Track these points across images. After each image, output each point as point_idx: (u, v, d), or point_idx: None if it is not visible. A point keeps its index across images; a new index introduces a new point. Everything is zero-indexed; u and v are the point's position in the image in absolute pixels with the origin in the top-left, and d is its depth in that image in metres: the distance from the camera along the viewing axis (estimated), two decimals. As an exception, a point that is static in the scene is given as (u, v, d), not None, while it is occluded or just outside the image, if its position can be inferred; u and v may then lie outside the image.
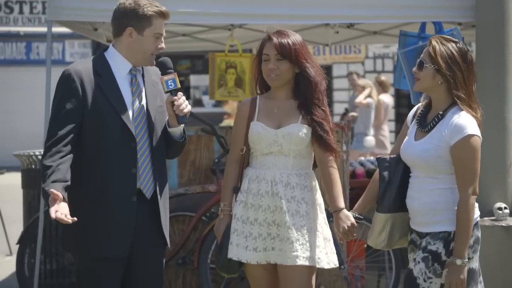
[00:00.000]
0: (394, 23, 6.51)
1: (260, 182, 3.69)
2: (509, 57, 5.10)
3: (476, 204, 3.37)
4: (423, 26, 5.55)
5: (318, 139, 3.67)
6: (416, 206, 3.39)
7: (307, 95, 3.69)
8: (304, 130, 3.69)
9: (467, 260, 3.26)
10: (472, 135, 3.28)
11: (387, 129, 11.63)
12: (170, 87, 3.44)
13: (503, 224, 4.85)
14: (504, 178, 5.05)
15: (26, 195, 6.38)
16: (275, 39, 3.68)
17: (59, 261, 6.02)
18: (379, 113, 11.54)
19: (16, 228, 7.70)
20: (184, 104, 3.44)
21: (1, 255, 7.84)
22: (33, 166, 6.36)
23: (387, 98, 11.80)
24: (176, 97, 3.44)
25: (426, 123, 3.40)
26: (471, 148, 3.27)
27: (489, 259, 4.77)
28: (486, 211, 4.99)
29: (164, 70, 3.48)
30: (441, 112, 3.36)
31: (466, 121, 3.29)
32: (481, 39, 5.15)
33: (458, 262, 3.25)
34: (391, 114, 15.41)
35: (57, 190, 3.20)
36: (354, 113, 11.79)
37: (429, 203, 3.35)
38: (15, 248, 6.78)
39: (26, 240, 5.81)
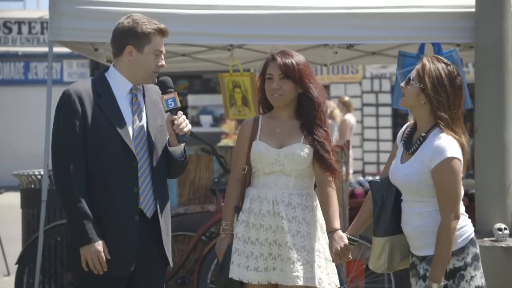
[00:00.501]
0: (393, 43, 6.54)
1: (261, 201, 3.69)
2: (508, 77, 5.13)
3: (469, 221, 3.34)
4: (422, 47, 5.58)
5: (320, 159, 3.68)
6: (408, 230, 3.37)
7: (309, 115, 3.71)
8: (306, 150, 3.70)
9: (443, 284, 3.22)
10: (452, 158, 3.21)
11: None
12: (170, 106, 3.46)
13: (503, 245, 4.85)
14: (504, 198, 5.06)
15: (25, 215, 6.36)
16: (279, 59, 3.71)
17: (58, 281, 6.00)
18: (345, 132, 11.83)
19: (14, 248, 7.68)
20: (184, 123, 3.46)
21: (-1, 275, 7.81)
22: (33, 186, 6.35)
23: (352, 118, 12.10)
24: (176, 116, 3.45)
25: (411, 145, 3.36)
26: (451, 171, 3.21)
27: (488, 280, 4.73)
28: (486, 232, 5.00)
29: (164, 89, 3.50)
30: (423, 134, 3.32)
31: (446, 144, 3.23)
32: (480, 60, 5.18)
33: (434, 286, 3.21)
34: (388, 134, 15.47)
35: (100, 245, 3.38)
36: None
37: (419, 226, 3.32)
38: (13, 268, 6.76)
39: (25, 260, 5.79)
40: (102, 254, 3.36)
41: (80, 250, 3.38)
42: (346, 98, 12.62)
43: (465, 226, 3.31)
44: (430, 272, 3.24)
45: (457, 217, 3.25)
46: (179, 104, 3.48)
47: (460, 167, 3.25)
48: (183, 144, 3.53)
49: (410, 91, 3.33)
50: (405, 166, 3.35)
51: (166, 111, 3.49)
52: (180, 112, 3.48)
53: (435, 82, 3.27)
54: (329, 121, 11.56)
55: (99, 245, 3.36)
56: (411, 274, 3.43)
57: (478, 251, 3.34)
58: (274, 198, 3.68)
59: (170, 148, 3.52)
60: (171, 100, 3.46)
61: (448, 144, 3.24)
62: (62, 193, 3.39)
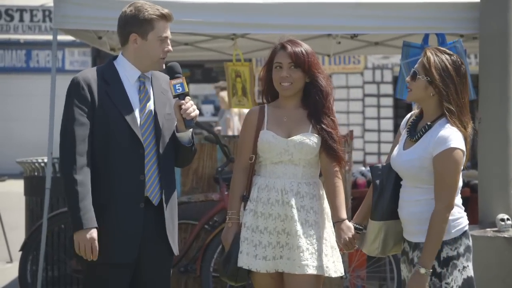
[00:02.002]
0: (397, 34, 6.54)
1: (270, 190, 3.69)
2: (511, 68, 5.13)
3: (464, 214, 3.38)
4: (426, 37, 5.57)
5: (327, 148, 3.69)
6: (404, 215, 3.42)
7: (317, 105, 3.71)
8: (314, 140, 3.70)
9: (431, 270, 3.27)
10: (455, 148, 3.27)
11: None
12: (177, 91, 3.47)
13: (506, 235, 4.87)
14: (506, 189, 5.07)
15: (28, 202, 6.39)
16: (289, 48, 3.70)
17: (61, 268, 6.03)
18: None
19: (16, 235, 7.71)
20: (191, 108, 3.46)
21: (2, 262, 7.83)
22: (36, 174, 6.37)
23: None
24: (183, 101, 3.46)
25: (415, 133, 3.41)
26: (452, 160, 3.27)
27: (491, 270, 4.79)
28: (489, 222, 5.02)
29: (172, 74, 3.51)
30: (429, 123, 3.37)
31: (450, 134, 3.29)
32: (484, 51, 5.18)
33: (422, 270, 3.26)
34: (389, 125, 15.46)
35: (95, 232, 3.37)
36: (219, 127, 11.88)
37: (415, 213, 3.37)
38: (15, 255, 6.79)
39: (29, 247, 5.81)
40: (96, 242, 3.35)
41: (74, 235, 3.38)
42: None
43: (460, 218, 3.36)
44: (420, 257, 3.29)
45: (450, 207, 3.29)
46: (187, 89, 3.48)
47: (461, 158, 3.30)
48: (190, 130, 3.53)
49: (418, 85, 3.37)
50: (408, 152, 3.39)
51: (174, 96, 3.49)
52: (187, 97, 3.48)
53: (442, 73, 3.32)
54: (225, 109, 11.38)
55: (92, 232, 3.35)
56: (401, 260, 3.49)
57: (470, 243, 3.39)
58: (283, 187, 3.68)
59: (177, 134, 3.53)
60: (179, 85, 3.47)
61: (453, 135, 3.29)
62: (65, 178, 3.40)
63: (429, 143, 3.31)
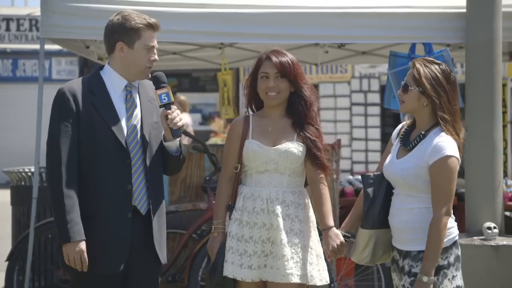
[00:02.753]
0: (384, 43, 6.57)
1: (255, 199, 3.71)
2: (497, 78, 5.17)
3: (455, 223, 3.42)
4: (413, 46, 5.61)
5: (312, 157, 3.71)
6: (395, 224, 3.44)
7: (301, 114, 3.74)
8: (299, 148, 3.72)
9: (433, 278, 3.30)
10: (450, 156, 3.32)
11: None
12: (163, 101, 3.48)
13: (492, 244, 4.89)
14: (493, 197, 5.10)
15: (15, 212, 6.36)
16: (274, 58, 3.73)
17: (48, 279, 6.00)
18: None
19: (2, 245, 7.65)
20: (178, 118, 3.47)
21: (-12, 272, 7.78)
22: (23, 183, 6.35)
23: (188, 118, 12.12)
24: (169, 111, 3.47)
25: (408, 142, 3.45)
26: (448, 169, 3.32)
27: (478, 279, 4.81)
28: (476, 231, 5.04)
29: (158, 84, 3.51)
30: (423, 132, 3.42)
31: (446, 143, 3.34)
32: (470, 60, 5.22)
33: (425, 279, 3.29)
34: (377, 133, 15.51)
35: (83, 244, 3.37)
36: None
37: (408, 222, 3.40)
38: (1, 265, 6.74)
39: (15, 257, 5.78)
40: (85, 254, 3.35)
41: (62, 247, 3.38)
42: (182, 97, 12.70)
43: (451, 228, 3.40)
44: (421, 265, 3.32)
45: (448, 214, 3.34)
46: (172, 99, 3.49)
47: (457, 166, 3.36)
48: (178, 139, 3.54)
49: (410, 96, 3.42)
50: (402, 161, 3.43)
51: (160, 106, 3.50)
52: (174, 107, 3.49)
53: (433, 83, 3.38)
54: None
55: (81, 244, 3.35)
56: (392, 269, 3.52)
57: (459, 253, 3.44)
58: (268, 196, 3.70)
59: (165, 143, 3.53)
60: (165, 95, 3.48)
61: (448, 143, 3.34)
62: (51, 190, 3.40)
63: (425, 152, 3.36)
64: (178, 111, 3.50)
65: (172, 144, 3.53)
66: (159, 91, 3.48)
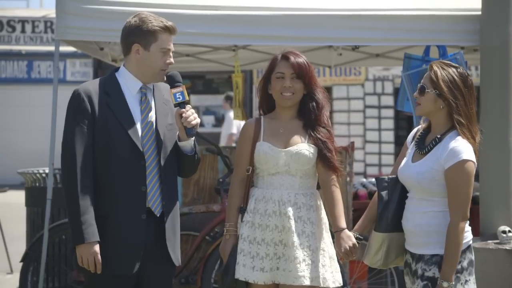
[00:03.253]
0: (398, 46, 6.56)
1: (267, 202, 3.71)
2: (512, 81, 5.14)
3: (469, 228, 3.41)
4: (427, 49, 5.59)
5: (323, 158, 3.71)
6: (409, 227, 3.44)
7: (312, 116, 3.74)
8: (311, 150, 3.72)
9: (453, 283, 3.30)
10: (467, 161, 3.32)
11: None
12: (178, 99, 3.49)
13: (507, 248, 4.86)
14: (507, 201, 5.07)
15: (29, 213, 6.39)
16: (292, 58, 3.73)
17: (62, 280, 6.02)
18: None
19: (17, 246, 7.70)
20: (192, 116, 3.47)
21: (2, 273, 7.82)
22: (37, 184, 6.37)
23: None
24: (184, 110, 3.47)
25: (424, 146, 3.45)
26: (465, 173, 3.31)
27: (493, 282, 4.78)
28: (490, 234, 5.01)
29: (172, 83, 3.52)
30: (439, 136, 3.41)
31: (462, 147, 3.33)
32: (485, 63, 5.19)
33: (445, 284, 3.29)
34: (390, 136, 15.45)
35: (97, 246, 3.38)
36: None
37: (422, 225, 3.39)
38: (16, 266, 6.77)
39: (29, 258, 5.81)
40: (99, 256, 3.36)
41: (76, 248, 3.40)
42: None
43: (466, 232, 3.39)
44: (441, 271, 3.31)
45: (466, 218, 3.34)
46: (187, 98, 3.50)
47: (473, 170, 3.35)
48: (192, 139, 3.53)
49: (427, 99, 3.42)
50: (418, 164, 3.42)
51: (175, 105, 3.50)
52: (188, 106, 3.49)
53: (450, 86, 3.38)
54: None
55: (95, 246, 3.36)
56: (405, 272, 3.51)
57: (473, 258, 3.43)
58: (280, 198, 3.69)
59: (179, 143, 3.53)
60: (179, 93, 3.48)
61: (464, 147, 3.34)
62: (66, 191, 3.41)
63: (441, 155, 3.35)
64: (193, 110, 3.51)
65: (187, 144, 3.53)
66: (173, 90, 3.49)
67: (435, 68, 3.41)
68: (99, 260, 3.37)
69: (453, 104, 3.36)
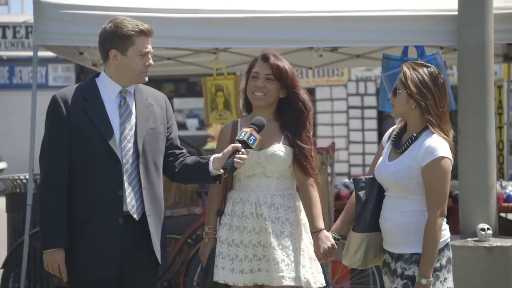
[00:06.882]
0: (378, 46, 6.58)
1: (244, 204, 3.72)
2: (490, 80, 5.18)
3: (447, 226, 3.44)
4: (405, 49, 5.62)
5: (298, 163, 3.73)
6: (388, 227, 3.45)
7: (291, 119, 3.74)
8: (286, 151, 3.73)
9: (431, 279, 3.31)
10: (443, 157, 3.34)
11: None
12: (240, 136, 3.55)
13: (486, 245, 4.90)
14: (486, 199, 5.10)
15: (10, 219, 6.36)
16: (272, 59, 3.73)
17: (44, 286, 6.00)
18: None
19: (-2, 252, 7.65)
20: (243, 162, 3.50)
21: (-16, 279, 7.76)
22: (18, 190, 6.35)
23: None
24: (244, 151, 3.50)
25: (400, 144, 3.47)
26: (441, 169, 3.34)
27: (472, 280, 4.81)
28: (469, 232, 5.04)
29: (255, 124, 3.59)
30: (414, 134, 3.43)
31: (438, 144, 3.36)
32: (462, 62, 5.23)
33: (423, 281, 3.31)
34: (374, 136, 15.51)
35: (62, 252, 3.39)
36: None
37: (401, 224, 3.41)
38: (-2, 272, 6.74)
39: (10, 264, 5.79)
40: (63, 263, 3.38)
41: (43, 253, 3.41)
42: None
43: (444, 230, 3.41)
44: (419, 268, 3.33)
45: (443, 215, 3.36)
46: (253, 147, 3.54)
47: (450, 167, 3.37)
48: (222, 172, 3.54)
49: (399, 100, 3.45)
50: (395, 163, 3.44)
51: (238, 141, 3.55)
52: (247, 150, 3.53)
53: (419, 86, 3.40)
54: None
55: (60, 252, 3.38)
56: (383, 272, 3.53)
57: (451, 255, 3.45)
58: (256, 200, 3.71)
59: (211, 169, 3.53)
60: (252, 137, 3.54)
61: (440, 144, 3.36)
62: (39, 196, 3.44)
63: (417, 153, 3.38)
64: (246, 156, 3.52)
65: (218, 173, 3.54)
66: (249, 129, 3.55)
67: (404, 69, 3.44)
68: (63, 267, 3.38)
69: (423, 104, 3.39)
